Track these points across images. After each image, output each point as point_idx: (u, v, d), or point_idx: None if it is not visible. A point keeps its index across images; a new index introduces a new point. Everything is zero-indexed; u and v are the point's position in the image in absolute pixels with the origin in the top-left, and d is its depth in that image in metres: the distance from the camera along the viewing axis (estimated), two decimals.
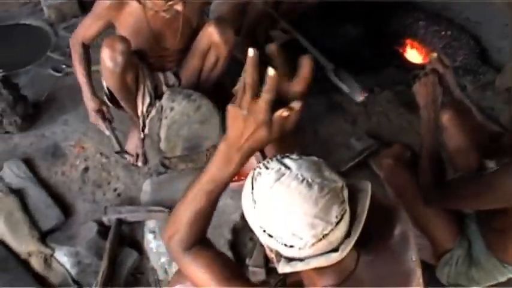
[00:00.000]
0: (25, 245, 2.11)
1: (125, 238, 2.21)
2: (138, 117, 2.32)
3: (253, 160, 1.84)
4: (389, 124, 2.88)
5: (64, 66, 2.99)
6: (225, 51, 2.30)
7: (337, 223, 0.96)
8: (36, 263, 2.10)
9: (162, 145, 2.34)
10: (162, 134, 2.31)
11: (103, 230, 2.20)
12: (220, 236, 2.15)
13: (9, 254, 2.10)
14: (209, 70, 2.40)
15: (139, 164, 2.44)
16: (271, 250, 1.03)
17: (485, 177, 1.78)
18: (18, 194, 2.28)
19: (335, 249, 0.99)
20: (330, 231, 0.96)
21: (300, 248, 0.97)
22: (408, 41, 3.39)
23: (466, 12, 3.37)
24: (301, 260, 1.00)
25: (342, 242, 1.00)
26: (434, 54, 1.95)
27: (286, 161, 1.01)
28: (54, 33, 3.29)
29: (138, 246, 2.20)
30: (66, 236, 2.19)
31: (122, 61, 2.09)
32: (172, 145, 2.33)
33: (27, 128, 2.62)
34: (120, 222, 2.20)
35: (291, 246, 0.98)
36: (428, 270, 2.04)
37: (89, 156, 2.51)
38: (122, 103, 2.32)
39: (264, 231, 1.00)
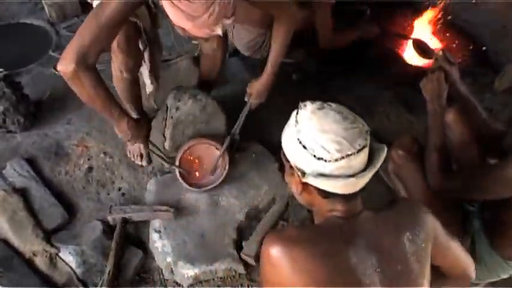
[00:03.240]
0: (29, 244, 2.10)
1: (130, 237, 2.21)
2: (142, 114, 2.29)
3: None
4: (390, 124, 2.91)
5: None
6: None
7: (359, 150, 1.16)
8: (41, 262, 2.09)
9: (167, 145, 2.34)
10: (167, 134, 2.31)
11: (108, 229, 2.19)
12: (225, 235, 2.16)
13: (13, 253, 2.09)
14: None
15: (144, 163, 2.45)
16: (296, 172, 1.22)
17: (494, 168, 1.81)
18: (22, 193, 2.27)
19: (352, 176, 1.18)
20: (351, 154, 1.15)
21: (325, 161, 1.16)
22: (408, 42, 3.40)
23: (464, 14, 3.40)
24: (324, 175, 1.18)
25: (358, 173, 1.19)
26: (440, 52, 2.00)
27: (329, 102, 1.25)
28: (55, 32, 3.29)
29: (143, 246, 2.20)
30: (71, 235, 2.18)
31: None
32: (177, 145, 2.32)
33: (30, 127, 2.61)
34: (125, 221, 2.20)
35: (319, 159, 1.17)
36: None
37: (92, 156, 2.51)
38: (126, 103, 2.25)
39: (300, 143, 1.19)
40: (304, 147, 1.18)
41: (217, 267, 2.07)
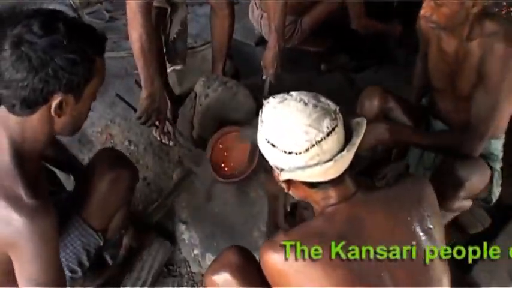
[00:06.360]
0: None
1: (157, 227, 2.15)
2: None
3: None
4: None
5: None
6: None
7: (329, 133, 1.11)
8: None
9: (195, 133, 2.26)
10: (196, 122, 2.24)
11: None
12: (255, 228, 2.09)
13: None
14: None
15: (171, 144, 2.37)
16: (276, 170, 1.19)
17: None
18: None
19: (330, 160, 1.13)
20: (321, 139, 1.11)
21: (296, 154, 1.12)
22: None
23: None
24: (301, 167, 1.14)
25: (336, 155, 1.13)
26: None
27: (291, 92, 1.20)
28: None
29: (170, 237, 2.13)
30: None
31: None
32: (206, 133, 2.23)
33: None
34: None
35: (290, 153, 1.13)
36: None
37: (116, 144, 2.45)
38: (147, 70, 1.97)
39: (268, 142, 1.17)
40: (273, 145, 1.16)
41: None
